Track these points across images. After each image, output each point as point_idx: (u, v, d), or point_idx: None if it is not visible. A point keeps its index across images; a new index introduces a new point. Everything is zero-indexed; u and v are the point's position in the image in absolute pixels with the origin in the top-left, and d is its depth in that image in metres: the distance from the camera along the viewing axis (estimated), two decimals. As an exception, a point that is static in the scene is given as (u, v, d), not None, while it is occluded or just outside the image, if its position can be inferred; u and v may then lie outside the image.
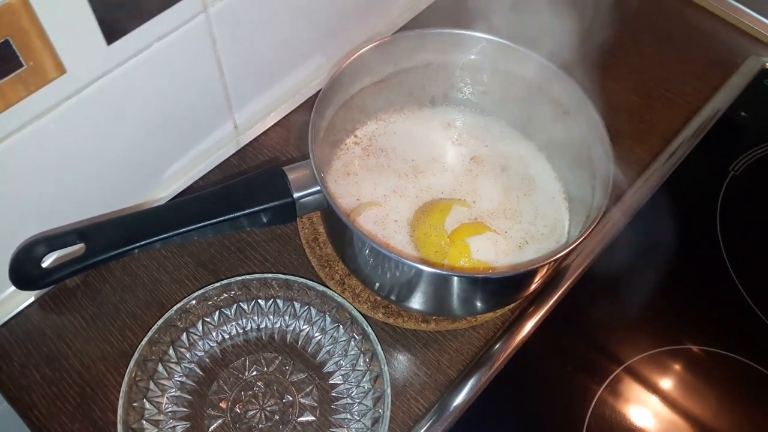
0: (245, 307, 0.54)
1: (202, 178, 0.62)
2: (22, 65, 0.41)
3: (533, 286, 0.53)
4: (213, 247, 0.58)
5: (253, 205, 0.47)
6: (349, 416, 0.51)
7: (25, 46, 0.40)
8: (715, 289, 0.59)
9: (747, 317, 0.57)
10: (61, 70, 0.44)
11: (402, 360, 0.54)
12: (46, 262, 0.48)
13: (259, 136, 0.66)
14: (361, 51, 0.53)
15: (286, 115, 0.67)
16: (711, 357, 0.55)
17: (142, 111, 0.52)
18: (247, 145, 0.65)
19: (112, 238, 0.47)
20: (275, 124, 0.66)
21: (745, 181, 0.66)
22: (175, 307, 0.51)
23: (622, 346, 0.56)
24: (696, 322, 0.57)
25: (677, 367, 0.55)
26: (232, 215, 0.47)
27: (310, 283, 0.52)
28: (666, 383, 0.54)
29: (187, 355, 0.52)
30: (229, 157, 0.64)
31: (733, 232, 0.62)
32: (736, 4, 0.77)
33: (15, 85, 0.42)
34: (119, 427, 0.46)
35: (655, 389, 0.54)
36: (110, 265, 0.57)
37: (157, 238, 0.47)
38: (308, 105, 0.68)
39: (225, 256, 0.58)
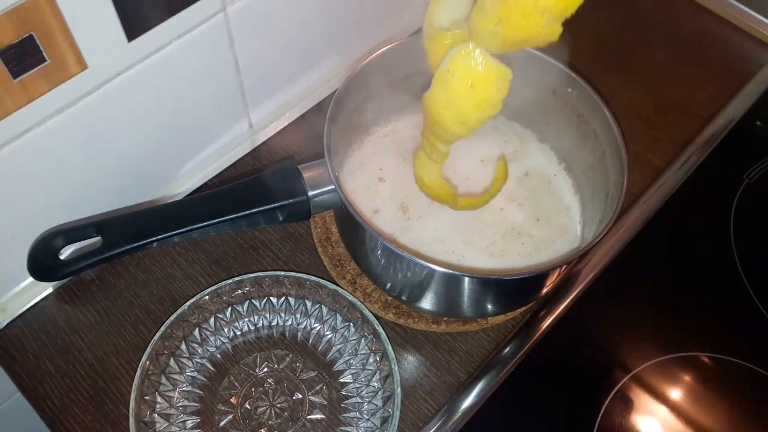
0: (257, 304, 0.54)
1: (216, 176, 0.63)
2: (45, 60, 0.42)
3: (545, 290, 0.53)
4: (227, 244, 0.59)
5: (268, 203, 0.48)
6: (358, 415, 0.51)
7: (48, 42, 0.41)
8: (727, 296, 0.59)
9: (759, 325, 0.57)
10: (82, 65, 0.44)
11: (412, 360, 0.54)
12: (64, 255, 0.49)
13: (273, 135, 0.66)
14: (378, 52, 0.53)
15: (302, 115, 0.67)
16: (721, 365, 0.55)
17: (159, 108, 0.53)
18: (261, 144, 0.65)
19: (128, 231, 0.47)
20: (290, 124, 0.67)
21: (759, 189, 0.66)
22: (188, 303, 0.51)
23: (632, 353, 0.56)
24: (707, 330, 0.57)
25: (687, 374, 0.55)
26: (247, 212, 0.48)
27: (322, 281, 0.53)
28: (676, 391, 0.54)
29: (199, 351, 0.53)
30: (244, 155, 0.64)
31: (746, 240, 0.62)
32: (751, 12, 0.77)
33: (37, 79, 0.42)
34: (131, 420, 0.47)
35: (664, 396, 0.54)
36: (125, 260, 0.57)
37: (174, 232, 0.47)
38: (324, 105, 0.68)
39: (238, 253, 0.58)
